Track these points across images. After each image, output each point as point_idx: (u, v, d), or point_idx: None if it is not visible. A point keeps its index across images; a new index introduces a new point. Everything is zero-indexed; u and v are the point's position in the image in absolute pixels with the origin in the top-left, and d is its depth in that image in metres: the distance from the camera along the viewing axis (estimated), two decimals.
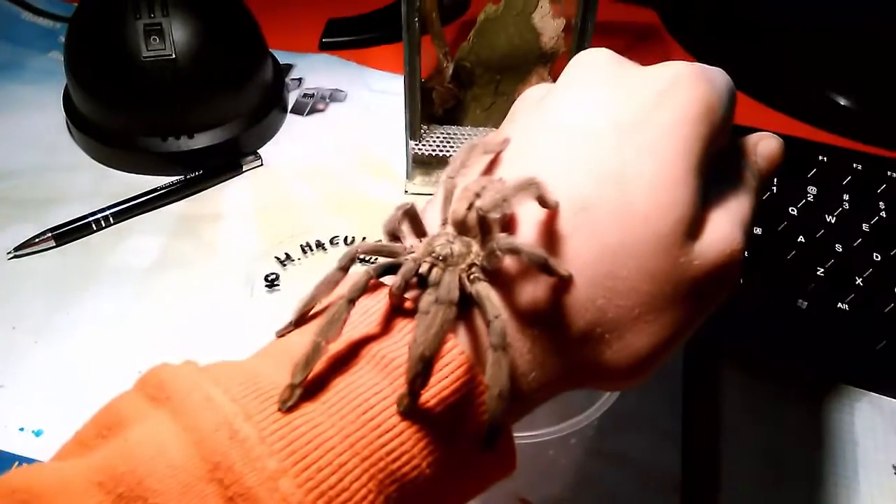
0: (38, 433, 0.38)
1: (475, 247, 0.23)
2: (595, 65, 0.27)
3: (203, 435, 0.19)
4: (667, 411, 0.39)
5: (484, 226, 0.23)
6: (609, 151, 0.24)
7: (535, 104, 0.28)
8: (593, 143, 0.24)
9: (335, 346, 0.21)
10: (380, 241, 0.25)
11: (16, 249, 0.46)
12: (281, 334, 0.23)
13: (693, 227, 0.24)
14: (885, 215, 0.46)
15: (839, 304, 0.42)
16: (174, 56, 0.48)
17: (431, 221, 0.25)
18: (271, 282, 0.45)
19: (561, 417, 0.32)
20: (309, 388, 0.20)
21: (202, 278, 0.46)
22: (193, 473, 0.18)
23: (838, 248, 0.45)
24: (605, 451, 0.37)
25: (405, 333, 0.22)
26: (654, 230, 0.23)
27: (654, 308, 0.23)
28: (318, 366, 0.21)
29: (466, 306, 0.22)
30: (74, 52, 0.51)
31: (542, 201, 0.22)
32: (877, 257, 0.44)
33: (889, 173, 0.49)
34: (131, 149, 0.51)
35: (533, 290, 0.23)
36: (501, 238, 0.22)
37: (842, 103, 0.61)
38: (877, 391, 0.40)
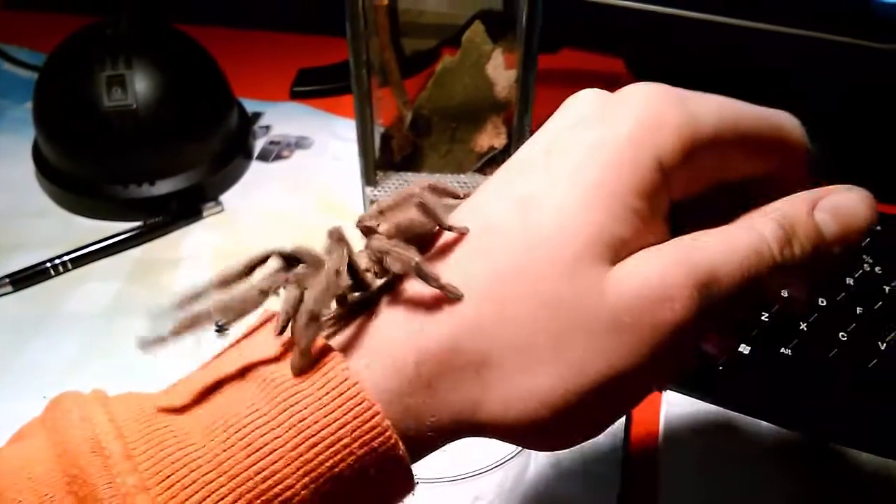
0: None
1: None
2: (573, 103, 0.25)
3: (66, 448, 0.19)
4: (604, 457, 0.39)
5: (364, 231, 0.24)
6: (533, 176, 0.23)
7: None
8: (523, 169, 0.24)
9: (227, 367, 0.22)
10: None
11: None
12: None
13: (608, 253, 0.21)
14: (868, 269, 0.47)
15: (782, 350, 0.42)
16: (135, 106, 0.50)
17: None
18: (221, 328, 0.45)
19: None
20: (193, 399, 0.21)
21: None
22: (52, 485, 0.18)
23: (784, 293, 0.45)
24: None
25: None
26: (553, 254, 0.21)
27: (556, 340, 0.21)
28: (204, 381, 0.21)
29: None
30: (41, 102, 0.53)
31: (432, 216, 0.23)
32: (822, 302, 0.44)
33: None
34: (94, 195, 0.52)
35: (422, 303, 0.22)
36: (374, 239, 0.23)
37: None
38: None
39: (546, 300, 0.21)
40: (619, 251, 0.22)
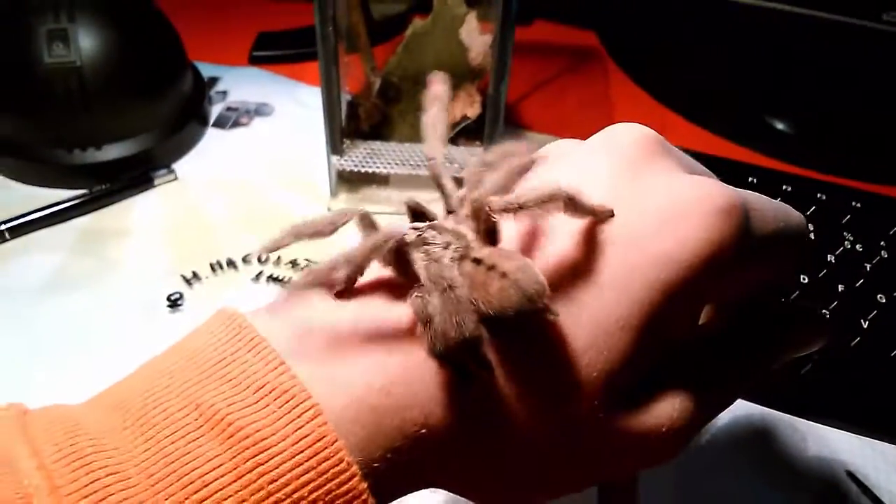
0: None
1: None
2: (622, 147, 0.23)
3: None
4: None
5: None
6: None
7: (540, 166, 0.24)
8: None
9: (175, 404, 0.18)
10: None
11: None
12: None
13: (626, 384, 0.21)
14: (813, 237, 0.46)
15: None
16: (79, 63, 0.46)
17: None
18: (174, 302, 0.42)
19: None
20: (137, 443, 0.17)
21: (101, 298, 0.43)
22: None
23: None
24: None
25: (262, 394, 0.18)
26: (579, 377, 0.20)
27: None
28: (150, 416, 0.18)
29: None
30: None
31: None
32: (804, 279, 0.43)
33: (818, 195, 0.49)
34: (34, 160, 0.48)
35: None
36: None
37: (778, 127, 0.61)
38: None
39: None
40: (633, 383, 0.21)
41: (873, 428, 0.38)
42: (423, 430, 0.19)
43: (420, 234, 0.21)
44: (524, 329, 0.20)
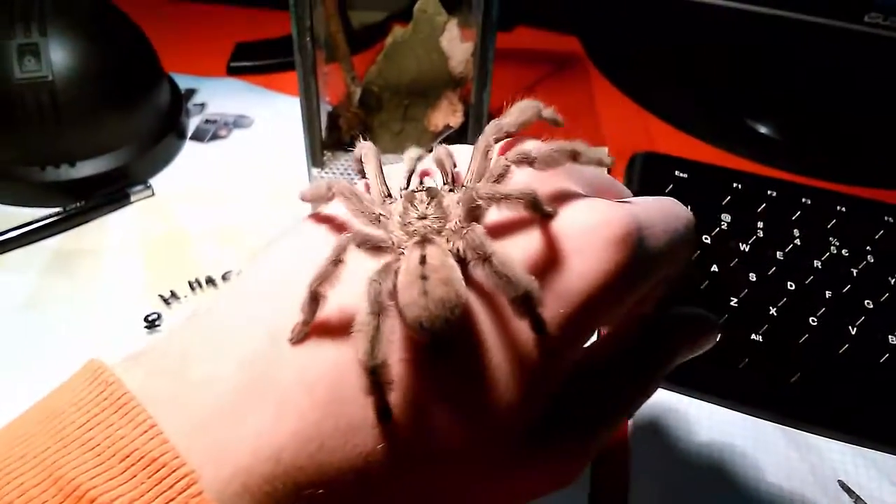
0: None
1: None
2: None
3: None
4: None
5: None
6: None
7: None
8: None
9: (31, 478, 0.16)
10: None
11: None
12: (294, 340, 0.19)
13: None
14: (799, 243, 0.45)
15: (752, 336, 0.41)
16: (51, 78, 0.45)
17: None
18: (152, 322, 0.41)
19: None
20: None
21: (76, 320, 0.41)
22: None
23: (752, 276, 0.43)
24: None
25: (129, 463, 0.17)
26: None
27: None
28: (2, 493, 0.16)
29: None
30: None
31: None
32: (791, 286, 0.43)
33: (803, 199, 0.48)
34: (6, 178, 0.47)
35: None
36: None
37: (762, 131, 0.61)
38: (789, 424, 0.38)
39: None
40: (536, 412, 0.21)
41: (864, 436, 0.37)
42: (322, 491, 0.17)
43: (415, 191, 0.21)
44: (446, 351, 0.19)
